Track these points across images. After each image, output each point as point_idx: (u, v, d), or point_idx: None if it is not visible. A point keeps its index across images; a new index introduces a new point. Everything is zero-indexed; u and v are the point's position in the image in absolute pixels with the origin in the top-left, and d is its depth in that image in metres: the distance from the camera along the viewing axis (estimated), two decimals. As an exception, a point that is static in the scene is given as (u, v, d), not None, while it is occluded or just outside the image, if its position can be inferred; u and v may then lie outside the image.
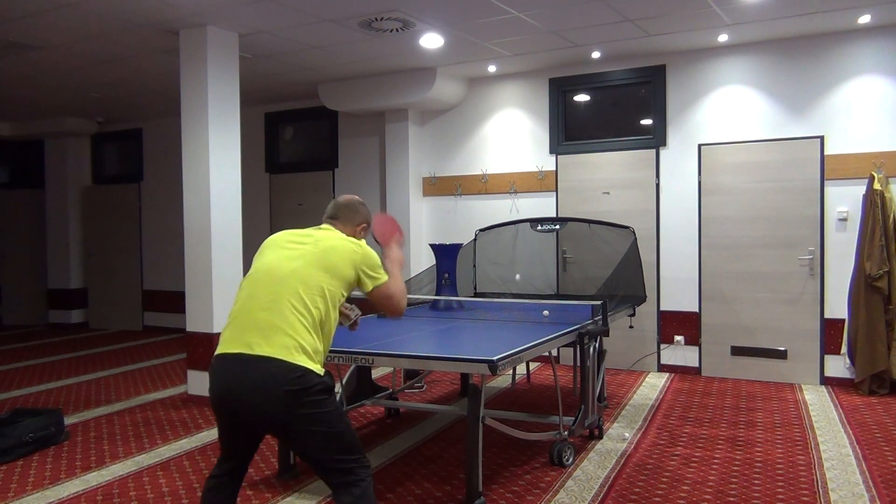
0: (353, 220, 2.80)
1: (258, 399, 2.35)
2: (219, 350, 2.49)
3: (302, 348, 2.38)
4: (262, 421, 2.42)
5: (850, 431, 4.75)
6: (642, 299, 5.62)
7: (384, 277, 2.65)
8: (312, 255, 2.54)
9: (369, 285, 2.63)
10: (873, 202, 5.67)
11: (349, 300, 2.75)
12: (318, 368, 2.42)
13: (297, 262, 2.52)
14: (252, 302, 2.48)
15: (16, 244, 10.79)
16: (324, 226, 2.76)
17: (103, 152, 10.53)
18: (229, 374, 2.41)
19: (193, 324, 5.82)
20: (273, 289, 2.46)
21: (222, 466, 2.58)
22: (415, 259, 7.59)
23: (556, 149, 7.16)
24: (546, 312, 4.88)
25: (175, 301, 9.14)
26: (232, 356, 2.42)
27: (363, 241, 2.72)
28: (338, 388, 4.83)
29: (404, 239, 3.05)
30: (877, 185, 5.68)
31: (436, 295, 5.48)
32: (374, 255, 2.66)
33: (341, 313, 2.92)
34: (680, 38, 6.14)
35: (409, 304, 5.46)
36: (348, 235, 2.71)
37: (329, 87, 7.73)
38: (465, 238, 6.54)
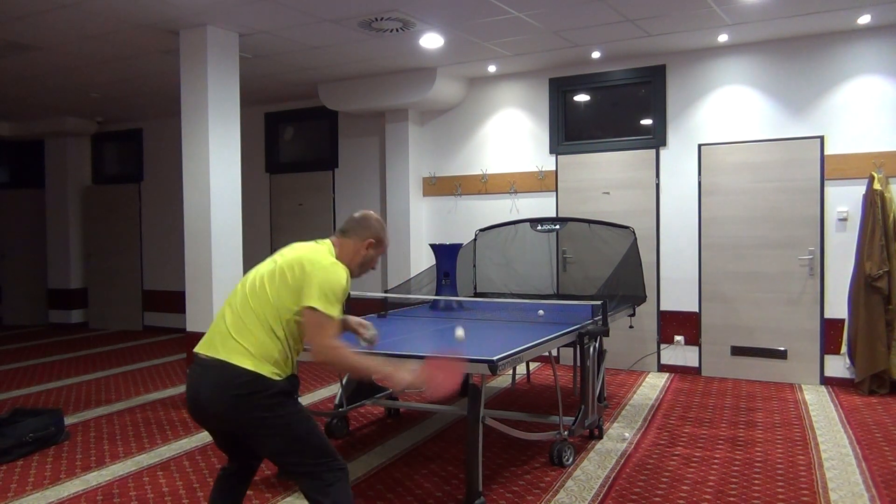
0: (361, 236, 2.71)
1: (212, 403, 2.44)
2: (195, 348, 2.59)
3: (251, 354, 2.43)
4: (220, 423, 2.51)
5: (850, 431, 4.75)
6: (642, 299, 5.63)
7: (324, 308, 2.41)
8: (277, 268, 2.55)
9: (302, 301, 2.44)
10: (873, 202, 5.67)
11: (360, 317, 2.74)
12: (272, 373, 2.44)
13: (266, 275, 2.56)
14: (227, 307, 2.59)
15: (16, 244, 10.78)
16: (323, 240, 2.72)
17: (103, 152, 10.53)
18: (193, 378, 2.53)
19: (193, 324, 5.82)
20: (244, 297, 2.55)
21: (230, 462, 2.69)
22: (415, 259, 7.59)
23: (556, 149, 7.16)
24: (541, 312, 4.87)
25: (175, 301, 9.14)
26: (199, 358, 2.53)
27: (341, 267, 2.53)
28: (337, 388, 4.83)
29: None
30: (877, 185, 5.68)
31: (436, 295, 5.48)
32: (335, 281, 2.46)
33: (355, 331, 2.98)
34: (680, 38, 6.14)
35: (409, 304, 5.51)
36: (356, 251, 2.67)
37: (329, 87, 7.73)
38: (465, 238, 6.54)
